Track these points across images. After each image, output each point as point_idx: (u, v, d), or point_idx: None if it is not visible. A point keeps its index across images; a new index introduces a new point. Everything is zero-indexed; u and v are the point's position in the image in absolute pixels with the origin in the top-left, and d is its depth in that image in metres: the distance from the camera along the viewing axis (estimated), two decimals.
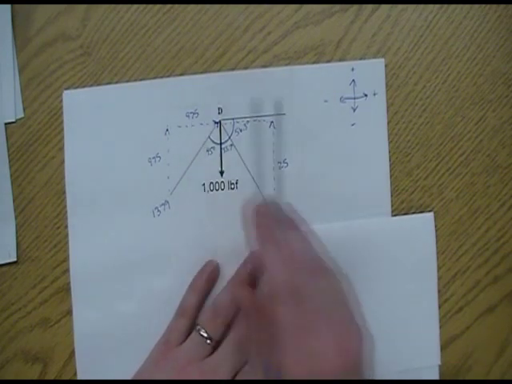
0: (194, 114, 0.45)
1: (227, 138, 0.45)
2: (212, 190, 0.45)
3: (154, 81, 0.46)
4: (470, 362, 0.44)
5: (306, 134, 0.44)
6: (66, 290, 0.46)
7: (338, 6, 0.45)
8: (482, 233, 0.44)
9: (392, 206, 0.44)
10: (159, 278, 0.45)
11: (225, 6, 0.46)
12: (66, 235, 0.46)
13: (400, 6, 0.45)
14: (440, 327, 0.44)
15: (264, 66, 0.45)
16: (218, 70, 0.46)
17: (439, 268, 0.44)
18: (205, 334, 0.41)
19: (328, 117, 0.44)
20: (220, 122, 0.45)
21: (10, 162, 0.47)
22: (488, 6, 0.44)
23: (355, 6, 0.45)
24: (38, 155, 0.47)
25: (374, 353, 0.37)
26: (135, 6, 0.46)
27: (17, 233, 0.47)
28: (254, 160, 0.45)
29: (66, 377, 0.46)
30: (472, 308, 0.44)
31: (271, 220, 0.39)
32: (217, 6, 0.46)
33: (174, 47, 0.46)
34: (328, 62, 0.45)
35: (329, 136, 0.44)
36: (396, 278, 0.44)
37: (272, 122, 0.45)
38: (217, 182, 0.45)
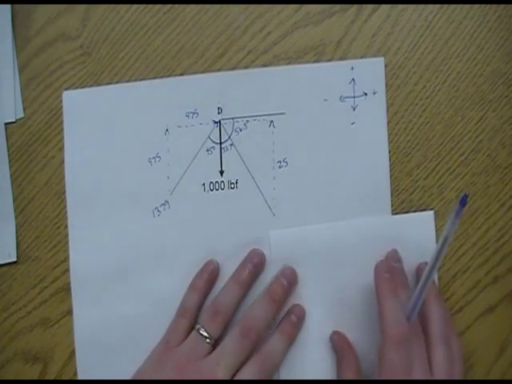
0: (193, 113, 0.45)
1: (227, 137, 0.45)
2: (212, 190, 0.45)
3: (154, 81, 0.46)
4: (470, 362, 0.43)
5: (305, 133, 0.44)
6: (66, 289, 0.46)
7: (338, 6, 0.45)
8: (482, 233, 0.44)
9: (392, 205, 0.44)
10: (159, 277, 0.45)
11: (225, 6, 0.46)
12: (66, 235, 0.46)
13: (400, 6, 0.45)
14: None
15: (264, 66, 0.45)
16: (218, 70, 0.46)
17: (439, 268, 0.44)
18: (204, 333, 0.41)
19: (328, 116, 0.44)
20: (220, 121, 0.45)
21: (10, 162, 0.47)
22: (488, 6, 0.44)
23: (355, 6, 0.45)
24: (38, 155, 0.47)
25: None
26: (135, 6, 0.46)
27: (17, 233, 0.47)
28: (254, 159, 0.45)
29: (66, 377, 0.46)
30: (472, 308, 0.44)
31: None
32: (217, 6, 0.46)
33: (174, 47, 0.46)
34: (328, 61, 0.45)
35: (328, 135, 0.44)
36: None
37: (272, 121, 0.45)
38: (217, 182, 0.45)
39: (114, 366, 0.45)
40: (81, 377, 0.45)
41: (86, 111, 0.46)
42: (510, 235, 0.44)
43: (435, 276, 0.43)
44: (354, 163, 0.44)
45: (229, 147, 0.45)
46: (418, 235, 0.43)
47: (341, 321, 0.43)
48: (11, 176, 0.47)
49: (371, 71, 0.44)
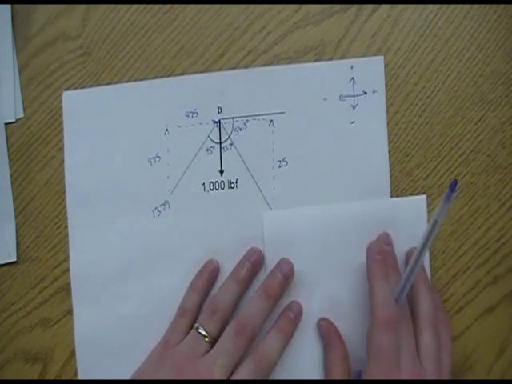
0: (193, 113, 0.45)
1: (227, 137, 0.45)
2: (212, 190, 0.45)
3: (154, 81, 0.46)
4: (470, 362, 0.43)
5: (305, 133, 0.44)
6: (66, 289, 0.46)
7: (338, 6, 0.45)
8: (482, 233, 0.44)
9: None
10: (159, 277, 0.45)
11: (225, 6, 0.46)
12: (66, 235, 0.46)
13: (400, 6, 0.45)
14: None
15: (264, 66, 0.45)
16: (218, 70, 0.46)
17: (439, 268, 0.44)
18: (203, 332, 0.41)
19: (327, 115, 0.44)
20: (219, 121, 0.45)
21: (10, 162, 0.47)
22: (488, 6, 0.44)
23: (355, 6, 0.45)
24: (38, 155, 0.47)
25: None
26: (135, 6, 0.46)
27: (17, 233, 0.47)
28: (254, 159, 0.45)
29: (66, 377, 0.46)
30: (472, 308, 0.44)
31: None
32: (217, 6, 0.46)
33: (174, 47, 0.46)
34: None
35: (328, 134, 0.44)
36: None
37: (271, 120, 0.45)
38: (217, 182, 0.45)
39: (113, 365, 0.45)
40: (81, 377, 0.45)
41: (85, 111, 0.46)
42: (510, 235, 0.44)
43: (427, 263, 0.43)
44: (353, 162, 0.44)
45: (229, 147, 0.45)
46: (410, 219, 0.43)
47: (332, 305, 0.43)
48: (11, 176, 0.47)
49: (371, 70, 0.44)
